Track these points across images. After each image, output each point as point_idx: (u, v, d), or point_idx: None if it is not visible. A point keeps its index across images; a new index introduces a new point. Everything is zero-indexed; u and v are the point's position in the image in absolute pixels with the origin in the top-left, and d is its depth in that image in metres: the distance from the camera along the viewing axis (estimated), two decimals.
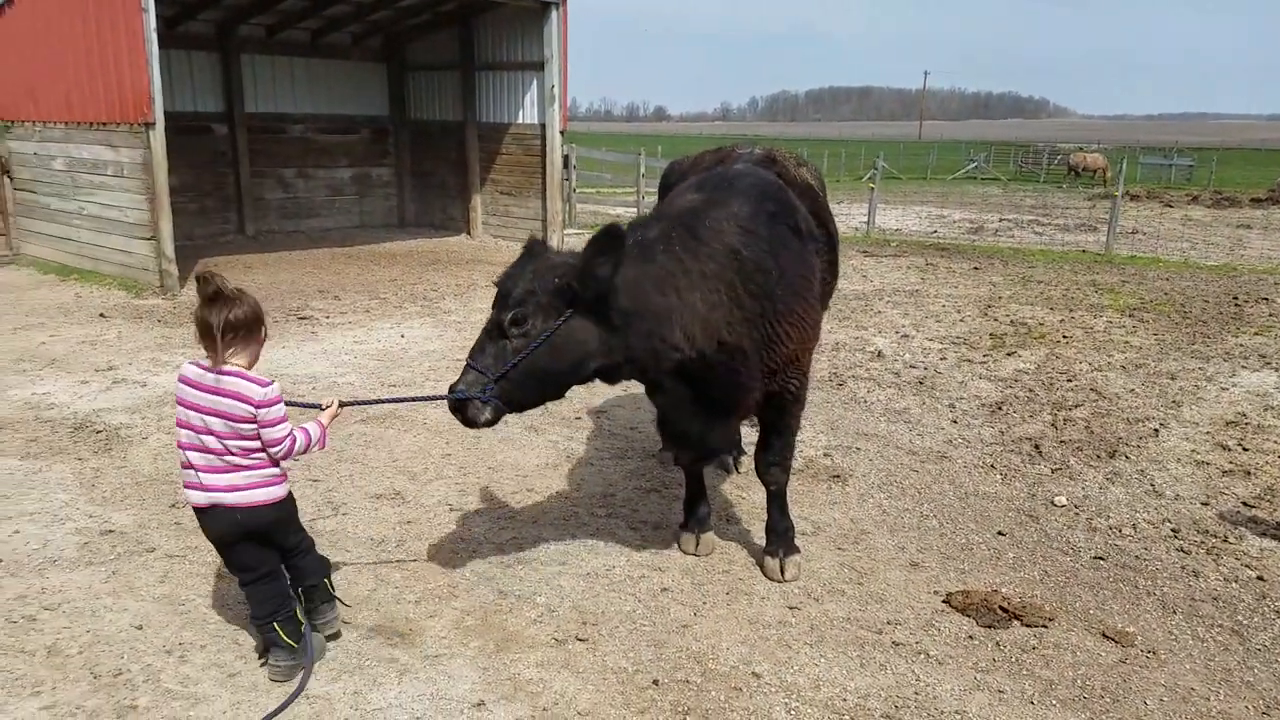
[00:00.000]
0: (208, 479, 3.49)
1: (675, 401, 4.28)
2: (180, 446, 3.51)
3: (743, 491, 5.74)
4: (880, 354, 8.93)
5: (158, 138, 10.93)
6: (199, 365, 3.48)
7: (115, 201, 11.81)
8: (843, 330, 9.89)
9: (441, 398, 3.99)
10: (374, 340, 9.32)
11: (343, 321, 10.11)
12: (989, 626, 4.25)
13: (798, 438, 4.92)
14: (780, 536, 4.75)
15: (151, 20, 10.53)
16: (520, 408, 4.03)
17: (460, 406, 3.86)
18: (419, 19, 16.62)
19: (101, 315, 10.00)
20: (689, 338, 3.96)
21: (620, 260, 3.78)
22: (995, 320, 10.34)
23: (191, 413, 3.45)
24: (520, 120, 15.93)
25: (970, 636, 4.18)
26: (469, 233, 17.00)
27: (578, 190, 19.82)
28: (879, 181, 20.37)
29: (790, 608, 4.35)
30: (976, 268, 14.19)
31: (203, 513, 3.56)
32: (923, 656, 4.00)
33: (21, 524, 4.97)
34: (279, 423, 3.48)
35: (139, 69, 10.66)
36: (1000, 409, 7.36)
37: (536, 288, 3.81)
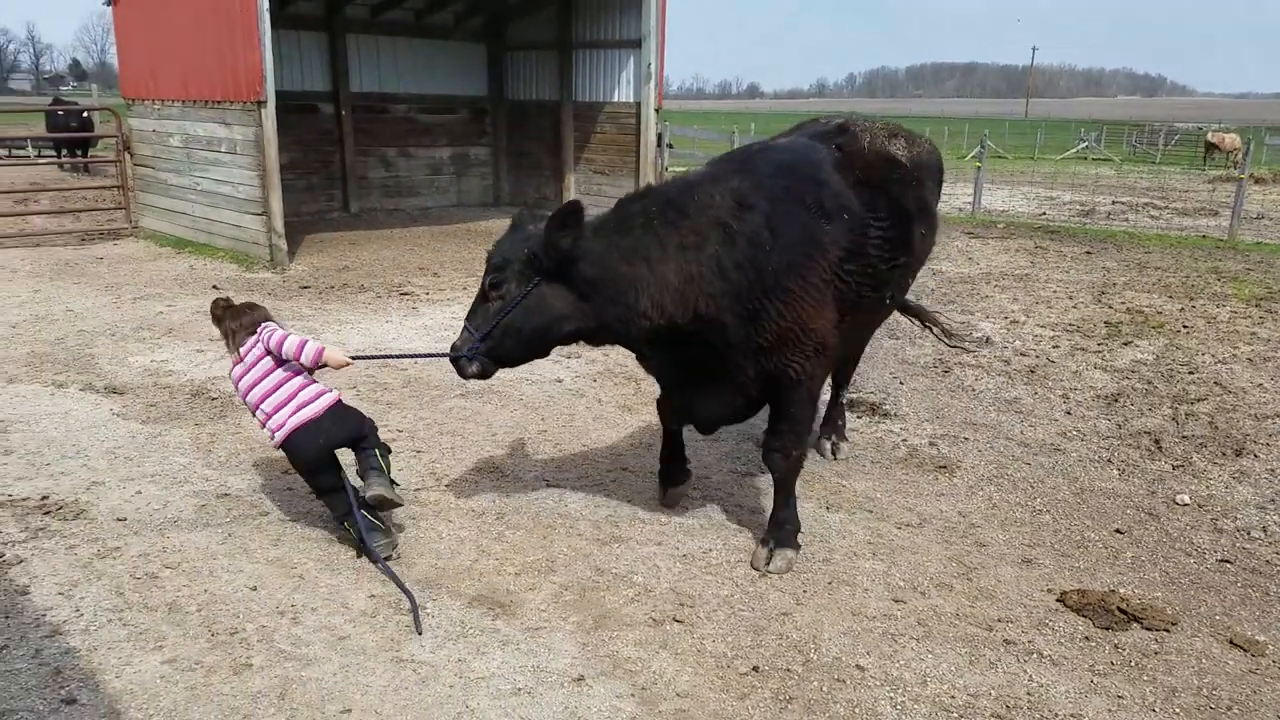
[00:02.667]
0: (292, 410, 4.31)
1: (660, 369, 4.64)
2: (257, 409, 4.36)
3: (843, 480, 5.62)
4: (988, 340, 8.65)
5: (269, 116, 11.23)
6: (236, 363, 4.48)
7: (228, 177, 12.21)
8: (948, 314, 9.60)
9: (440, 355, 4.69)
10: None
11: (442, 298, 10.27)
12: (1106, 628, 4.08)
13: (903, 427, 4.79)
14: (777, 527, 4.62)
15: (264, 0, 10.81)
16: (507, 363, 4.43)
17: (454, 361, 4.37)
18: None
19: (215, 287, 10.36)
20: (657, 307, 4.14)
21: (581, 233, 4.08)
22: (1110, 308, 9.90)
23: (253, 382, 4.37)
24: (615, 98, 15.88)
25: (1086, 638, 4.01)
26: None
27: (669, 169, 19.71)
28: (985, 160, 19.71)
29: (895, 600, 4.24)
30: (1089, 252, 13.62)
31: (299, 435, 4.29)
32: (1036, 656, 3.86)
33: (144, 485, 5.19)
34: (274, 333, 4.39)
35: (252, 48, 10.95)
36: (1117, 401, 7.04)
37: (511, 256, 4.20)
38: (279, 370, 4.34)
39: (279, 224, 11.59)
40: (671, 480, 5.21)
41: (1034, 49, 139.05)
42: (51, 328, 8.47)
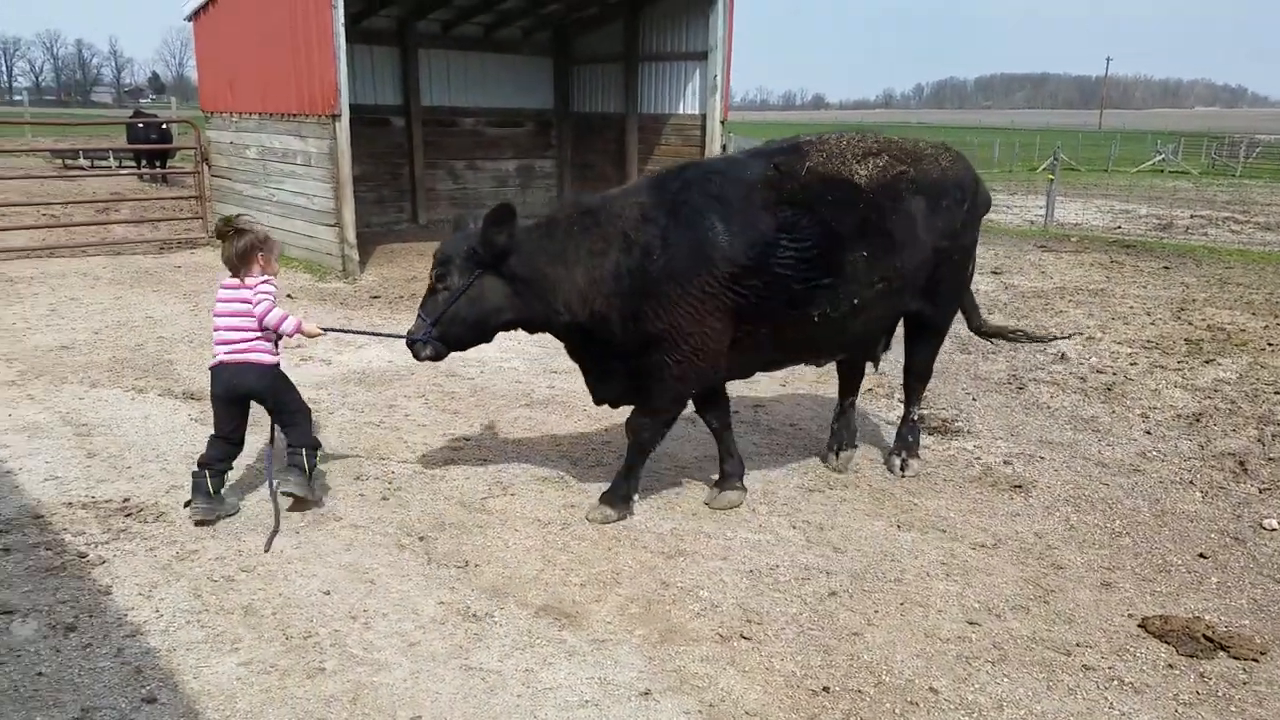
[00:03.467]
0: (228, 349, 4.86)
1: (572, 354, 5.17)
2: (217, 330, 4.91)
3: (915, 498, 5.52)
4: (1063, 356, 8.43)
5: (343, 129, 11.47)
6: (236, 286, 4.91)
7: (302, 189, 12.50)
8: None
9: (398, 336, 5.15)
10: None
11: None
12: (1191, 656, 3.93)
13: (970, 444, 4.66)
14: (611, 487, 5.18)
15: (340, 16, 11.04)
16: (456, 347, 4.93)
17: (410, 344, 4.88)
18: (588, 11, 16.82)
19: (289, 296, 10.60)
20: (567, 305, 4.72)
21: (514, 231, 4.62)
22: (1190, 324, 9.60)
23: (228, 312, 4.89)
24: (681, 111, 15.89)
25: (1170, 665, 3.88)
26: None
27: None
28: (1057, 173, 19.30)
29: (970, 623, 4.14)
30: (1167, 267, 13.24)
31: (220, 369, 4.86)
32: (1116, 683, 3.73)
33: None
34: (266, 302, 4.82)
35: (327, 63, 11.21)
36: (1199, 421, 6.81)
37: (453, 253, 4.74)
38: (247, 318, 4.86)
39: (351, 235, 11.81)
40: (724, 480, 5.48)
41: (1108, 59, 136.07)
42: (132, 334, 8.74)
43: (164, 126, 22.16)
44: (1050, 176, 19.17)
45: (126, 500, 5.11)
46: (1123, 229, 18.14)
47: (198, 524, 4.82)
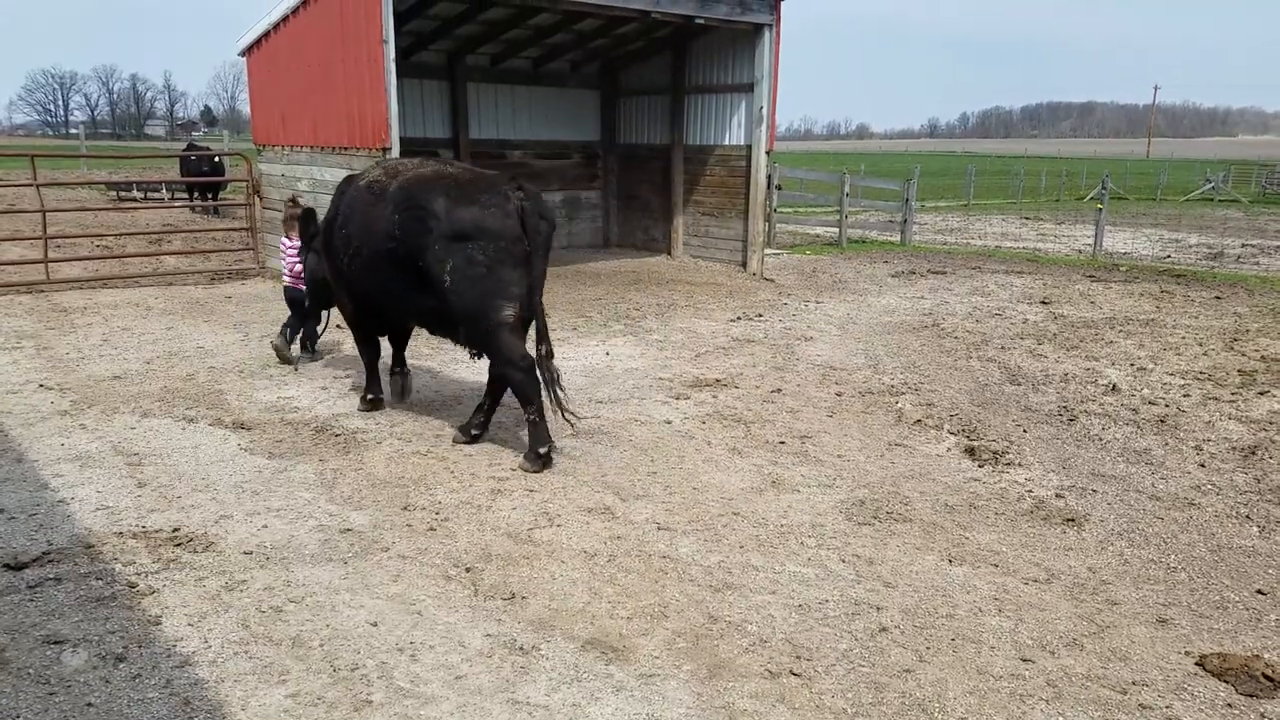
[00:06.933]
0: (289, 280, 9.13)
1: None
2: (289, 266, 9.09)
3: (966, 532, 5.43)
4: (1114, 387, 8.28)
5: None
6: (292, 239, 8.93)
7: None
8: (1070, 360, 9.26)
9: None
10: (581, 357, 9.53)
11: (553, 339, 10.36)
12: (1250, 695, 3.83)
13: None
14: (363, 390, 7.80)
15: (391, 51, 11.25)
16: (316, 300, 8.52)
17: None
18: (634, 45, 17.00)
19: (339, 326, 10.72)
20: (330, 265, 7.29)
21: (317, 226, 7.62)
22: (1243, 355, 9.39)
23: (290, 256, 8.98)
24: (726, 142, 15.97)
25: (1229, 704, 3.77)
26: (669, 253, 17.19)
27: (776, 210, 19.72)
28: (1106, 201, 19.05)
29: (1023, 660, 4.06)
30: (1218, 297, 12.98)
31: (288, 288, 9.19)
32: None
33: (270, 519, 5.36)
34: (296, 253, 8.71)
35: (379, 97, 11.42)
36: (1254, 454, 6.64)
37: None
38: (295, 261, 8.81)
39: None
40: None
41: (1156, 87, 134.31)
42: (183, 364, 8.87)
43: (216, 159, 22.66)
44: (1099, 205, 18.93)
45: (176, 530, 5.17)
46: (1172, 258, 17.85)
47: (276, 349, 8.83)
